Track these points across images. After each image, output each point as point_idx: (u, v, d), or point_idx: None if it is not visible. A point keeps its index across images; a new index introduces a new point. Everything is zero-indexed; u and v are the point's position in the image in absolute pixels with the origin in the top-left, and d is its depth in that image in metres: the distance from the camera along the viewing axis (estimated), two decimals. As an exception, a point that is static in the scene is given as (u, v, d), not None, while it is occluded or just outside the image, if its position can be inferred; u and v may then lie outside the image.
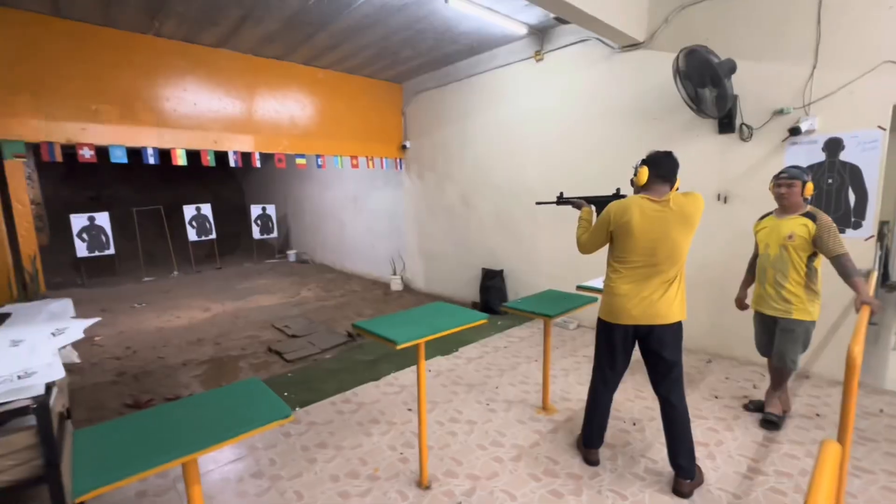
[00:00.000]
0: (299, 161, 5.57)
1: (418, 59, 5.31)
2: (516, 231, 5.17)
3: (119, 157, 4.26)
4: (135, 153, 4.42)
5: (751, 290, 2.76)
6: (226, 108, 4.89)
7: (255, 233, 9.60)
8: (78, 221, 7.39)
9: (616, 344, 2.12)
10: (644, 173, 2.04)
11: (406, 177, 6.73)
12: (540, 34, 4.57)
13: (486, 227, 5.59)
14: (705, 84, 3.17)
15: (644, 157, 2.10)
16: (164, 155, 4.61)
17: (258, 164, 5.17)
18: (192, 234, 8.81)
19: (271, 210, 9.77)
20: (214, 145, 4.82)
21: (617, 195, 2.46)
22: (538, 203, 3.07)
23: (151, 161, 4.44)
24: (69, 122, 3.98)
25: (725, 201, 3.50)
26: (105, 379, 3.90)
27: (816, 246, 2.37)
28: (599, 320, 2.19)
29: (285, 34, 4.44)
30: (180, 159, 4.71)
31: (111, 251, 7.66)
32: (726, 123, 3.39)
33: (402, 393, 3.27)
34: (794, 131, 3.07)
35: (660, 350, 2.03)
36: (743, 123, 3.35)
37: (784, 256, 2.46)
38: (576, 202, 2.52)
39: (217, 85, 4.81)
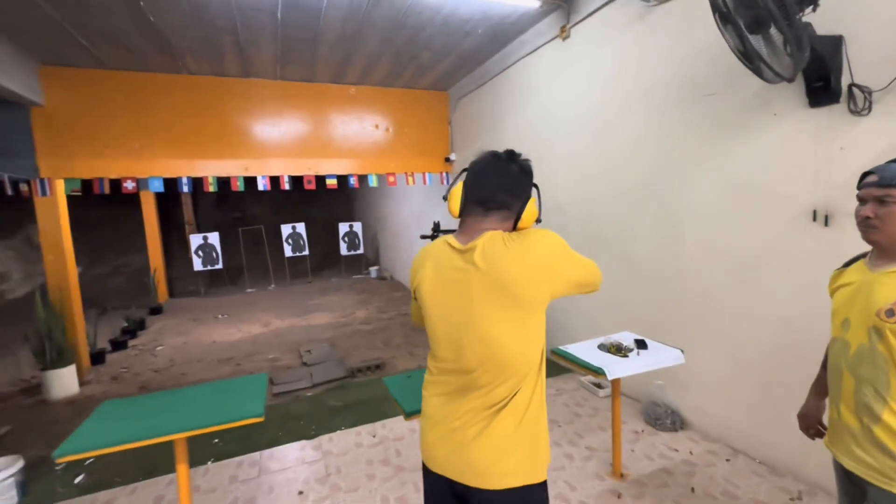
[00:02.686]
0: (329, 182, 5.45)
1: (445, 59, 4.70)
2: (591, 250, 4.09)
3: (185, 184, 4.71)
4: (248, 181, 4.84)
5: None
6: (262, 133, 5.04)
7: (343, 249, 10.06)
8: (195, 240, 8.69)
9: (433, 500, 1.19)
10: (455, 196, 1.13)
11: (454, 192, 6.09)
12: (565, 5, 3.53)
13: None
14: (764, 24, 1.85)
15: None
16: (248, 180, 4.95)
17: (287, 187, 5.20)
18: (287, 251, 9.65)
19: (358, 227, 10.13)
20: (309, 170, 5.03)
21: (435, 231, 1.52)
22: (422, 237, 2.09)
23: (225, 187, 4.79)
24: (177, 159, 4.64)
25: (826, 223, 2.03)
26: (125, 391, 4.24)
27: None
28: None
29: (296, 54, 4.34)
30: (238, 184, 4.99)
31: (220, 266, 8.82)
32: (821, 89, 1.96)
33: (325, 461, 2.69)
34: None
35: None
36: (854, 85, 1.88)
37: (878, 352, 1.15)
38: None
39: (248, 112, 4.99)
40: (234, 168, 4.99)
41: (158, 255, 8.29)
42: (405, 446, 2.82)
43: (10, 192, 4.00)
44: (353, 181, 5.62)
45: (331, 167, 5.46)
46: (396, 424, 3.13)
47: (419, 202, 7.68)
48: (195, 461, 2.75)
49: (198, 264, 8.70)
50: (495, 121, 4.81)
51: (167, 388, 4.17)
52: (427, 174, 5.94)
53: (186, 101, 4.71)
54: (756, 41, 1.84)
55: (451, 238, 1.10)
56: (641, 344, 2.35)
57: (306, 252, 9.83)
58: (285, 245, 9.62)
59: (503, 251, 1.01)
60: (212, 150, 4.86)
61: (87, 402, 4.01)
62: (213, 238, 8.80)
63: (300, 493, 2.40)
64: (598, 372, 2.08)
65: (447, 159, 5.91)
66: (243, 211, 12.97)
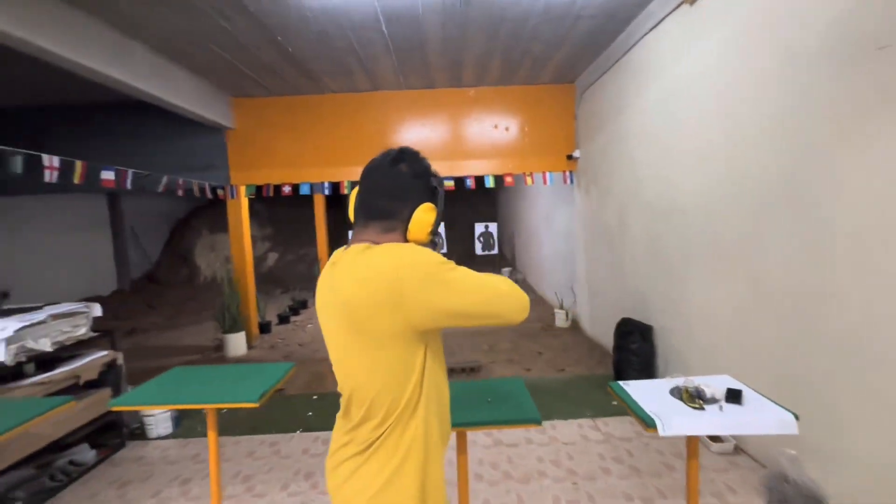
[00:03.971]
0: (448, 184, 5.61)
1: (560, 48, 4.34)
2: (669, 268, 3.40)
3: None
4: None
5: None
6: (388, 140, 5.52)
7: (478, 249, 10.26)
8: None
9: None
10: (351, 201, 1.02)
11: (577, 192, 5.61)
12: (692, -39, 2.86)
13: (637, 258, 3.96)
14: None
15: None
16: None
17: (407, 189, 5.55)
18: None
19: (493, 228, 10.18)
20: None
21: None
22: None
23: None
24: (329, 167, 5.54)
25: None
26: (274, 357, 5.17)
27: None
28: None
29: (410, 64, 4.60)
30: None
31: (370, 259, 10.01)
32: None
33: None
34: None
35: None
36: None
37: None
38: None
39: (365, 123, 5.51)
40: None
41: (324, 248, 9.87)
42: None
43: (209, 195, 5.29)
44: (470, 183, 5.67)
45: (447, 169, 5.61)
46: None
47: (546, 203, 7.30)
48: (287, 428, 3.19)
49: (354, 256, 10.05)
50: (616, 111, 4.23)
51: (304, 359, 4.96)
52: (548, 174, 5.60)
53: (329, 116, 5.46)
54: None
55: (338, 251, 1.01)
56: (734, 395, 1.75)
57: (444, 251, 10.34)
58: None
59: (350, 270, 0.87)
60: (348, 158, 5.52)
61: (250, 362, 5.04)
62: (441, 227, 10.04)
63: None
64: (647, 423, 1.63)
65: (570, 157, 5.46)
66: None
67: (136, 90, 3.86)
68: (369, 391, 0.89)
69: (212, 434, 1.75)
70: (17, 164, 2.81)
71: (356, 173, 4.99)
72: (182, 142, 5.36)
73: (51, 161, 2.95)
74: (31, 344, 2.39)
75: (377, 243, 0.93)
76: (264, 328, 6.25)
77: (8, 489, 2.52)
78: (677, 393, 1.82)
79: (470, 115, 5.53)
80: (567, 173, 5.58)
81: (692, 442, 1.76)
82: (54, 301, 2.92)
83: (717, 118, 2.75)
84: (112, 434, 3.05)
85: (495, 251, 10.16)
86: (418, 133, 5.54)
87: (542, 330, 5.81)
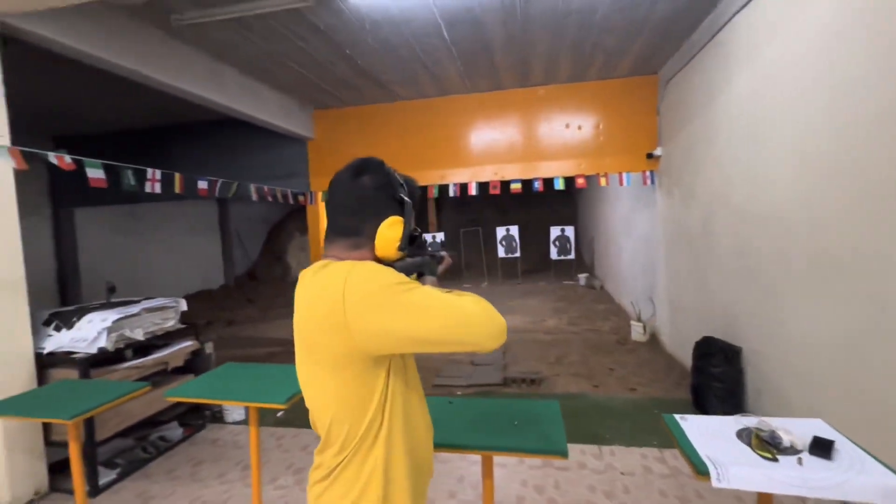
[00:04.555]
0: (514, 186, 5.45)
1: (637, 37, 3.98)
2: (763, 282, 2.91)
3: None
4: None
5: None
6: (456, 143, 5.52)
7: (553, 253, 9.87)
8: (428, 238, 10.24)
9: None
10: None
11: (659, 194, 5.10)
12: (792, -79, 2.42)
13: (724, 269, 3.46)
14: None
15: None
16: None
17: (473, 193, 5.50)
18: (500, 252, 10.18)
19: (570, 231, 9.72)
20: (494, 176, 5.45)
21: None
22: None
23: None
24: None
25: None
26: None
27: None
28: None
29: (475, 66, 4.55)
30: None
31: (443, 261, 10.12)
32: None
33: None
34: None
35: None
36: None
37: None
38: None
39: (441, 126, 5.54)
40: (433, 177, 5.64)
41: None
42: (565, 484, 2.59)
43: (291, 201, 5.74)
44: (538, 185, 5.45)
45: (515, 171, 5.46)
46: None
47: (626, 205, 6.76)
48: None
49: (427, 259, 10.25)
50: (703, 103, 3.75)
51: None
52: (625, 174, 5.18)
53: (399, 123, 5.61)
54: None
55: (304, 270, 0.97)
56: (821, 447, 1.41)
57: (517, 254, 10.12)
58: (499, 246, 10.18)
59: (305, 290, 0.83)
60: (418, 163, 5.62)
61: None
62: (440, 237, 10.16)
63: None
64: (698, 469, 1.38)
65: (650, 155, 4.98)
66: (478, 213, 14.40)
67: (228, 108, 4.32)
68: (326, 417, 0.86)
69: (253, 429, 1.85)
70: (129, 177, 3.28)
71: (425, 177, 5.04)
72: (269, 152, 5.89)
73: (153, 174, 3.40)
74: (127, 333, 2.77)
75: (342, 260, 0.88)
76: (339, 326, 6.62)
77: (112, 455, 2.95)
78: (746, 437, 1.53)
79: (540, 114, 5.31)
80: (647, 173, 5.10)
81: (763, 501, 1.47)
82: (175, 294, 3.36)
83: (822, 107, 2.29)
84: (196, 415, 3.43)
85: (571, 256, 9.75)
86: (486, 136, 5.46)
87: (617, 343, 5.38)
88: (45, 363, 2.62)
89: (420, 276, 1.11)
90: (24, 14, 2.45)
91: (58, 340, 2.64)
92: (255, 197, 4.88)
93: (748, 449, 1.48)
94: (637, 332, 5.34)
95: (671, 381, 4.08)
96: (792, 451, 1.43)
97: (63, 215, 6.91)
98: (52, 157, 2.72)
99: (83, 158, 2.91)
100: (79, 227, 7.16)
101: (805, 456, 1.41)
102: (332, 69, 4.41)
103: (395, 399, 0.86)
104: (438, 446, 1.54)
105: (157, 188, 3.47)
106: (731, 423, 1.64)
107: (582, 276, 9.27)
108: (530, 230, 12.02)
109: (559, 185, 5.33)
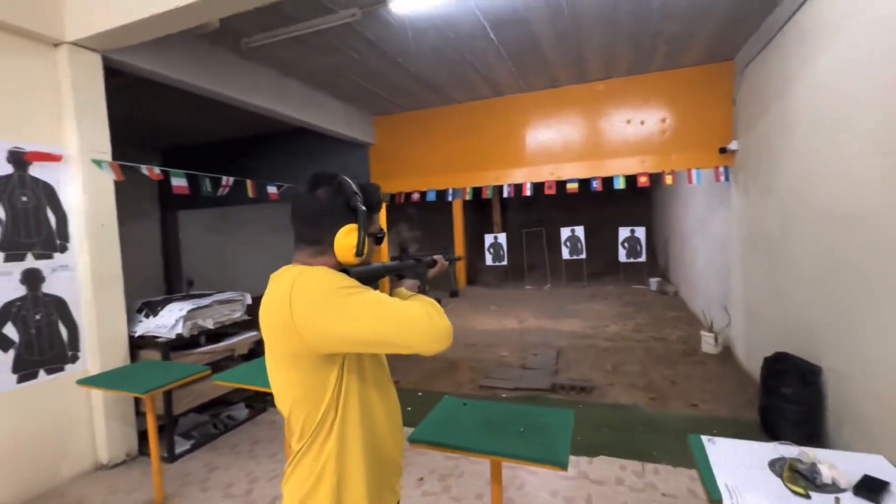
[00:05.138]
0: (570, 186, 5.26)
1: (704, 23, 3.67)
2: (848, 294, 2.53)
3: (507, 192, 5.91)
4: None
5: None
6: (510, 144, 5.47)
7: (621, 256, 9.32)
8: (488, 239, 10.21)
9: None
10: None
11: (734, 192, 4.63)
12: None
13: (802, 277, 3.05)
14: None
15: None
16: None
17: (528, 193, 5.40)
18: (564, 253, 9.84)
19: (640, 233, 9.12)
20: (550, 176, 5.31)
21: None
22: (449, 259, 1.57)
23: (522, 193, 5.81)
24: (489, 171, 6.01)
25: None
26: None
27: None
28: None
29: (527, 66, 4.48)
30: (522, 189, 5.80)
31: (505, 262, 10.02)
32: None
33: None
34: None
35: None
36: None
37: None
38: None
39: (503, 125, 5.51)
40: (487, 178, 5.64)
41: (461, 251, 10.30)
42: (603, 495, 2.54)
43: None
44: (596, 185, 5.21)
45: (573, 171, 5.27)
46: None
47: (702, 204, 6.20)
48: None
49: (489, 260, 10.21)
50: (781, 90, 3.34)
51: (423, 358, 5.30)
52: (694, 171, 4.77)
53: (454, 126, 5.68)
54: None
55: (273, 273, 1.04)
56: (871, 487, 1.22)
57: (583, 256, 9.72)
58: (563, 248, 9.84)
59: (268, 292, 0.90)
60: (472, 164, 5.66)
61: (376, 353, 5.61)
62: (501, 238, 10.08)
63: (420, 479, 2.64)
64: (711, 495, 1.26)
65: (724, 149, 4.53)
66: (544, 213, 14.05)
67: (294, 119, 4.69)
68: (286, 404, 0.94)
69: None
70: (206, 184, 3.72)
71: (480, 179, 5.05)
72: (334, 158, 6.28)
73: (226, 181, 3.82)
74: (200, 322, 3.16)
75: (309, 265, 0.96)
76: (398, 323, 6.87)
77: (190, 428, 3.37)
78: (779, 467, 1.38)
79: (599, 110, 5.08)
80: (720, 169, 4.65)
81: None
82: (256, 287, 3.75)
83: (916, 88, 1.94)
84: (260, 399, 3.79)
85: (642, 258, 9.16)
86: (542, 135, 5.34)
87: (684, 354, 4.97)
88: (137, 345, 3.07)
89: (400, 279, 1.16)
90: (119, 49, 2.89)
91: (146, 326, 3.08)
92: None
93: (779, 481, 1.32)
94: (708, 344, 4.89)
95: (741, 400, 3.69)
96: (832, 488, 1.26)
97: (168, 217, 7.96)
98: (144, 169, 3.18)
99: (168, 169, 3.37)
100: (181, 228, 8.20)
101: (847, 496, 1.23)
102: (386, 77, 4.60)
103: (349, 394, 0.92)
104: (444, 446, 1.58)
105: (227, 192, 3.88)
106: (766, 451, 1.48)
107: (653, 281, 8.66)
108: (600, 230, 11.48)
109: (619, 184, 5.05)
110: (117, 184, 2.96)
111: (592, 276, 10.39)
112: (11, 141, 2.54)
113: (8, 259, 2.52)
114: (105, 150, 2.91)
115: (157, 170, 3.28)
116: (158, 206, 7.85)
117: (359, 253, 0.95)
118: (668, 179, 4.90)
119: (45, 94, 2.68)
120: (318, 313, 0.85)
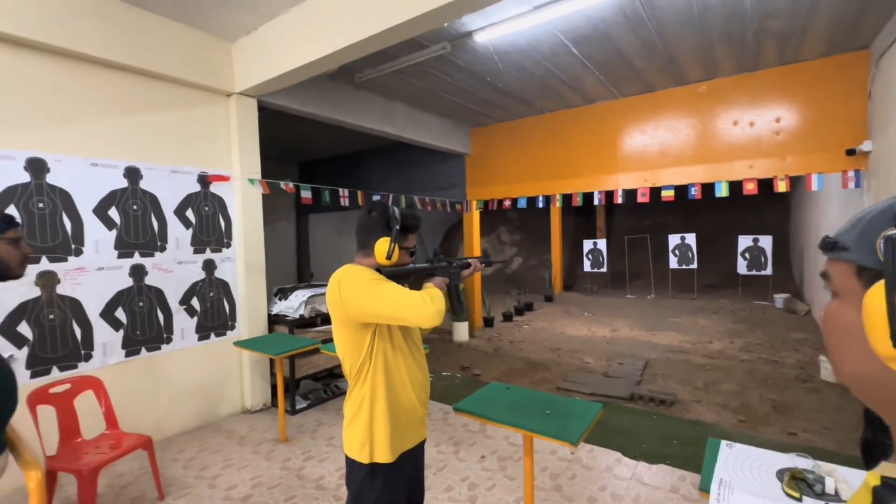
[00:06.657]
0: (665, 193, 5.06)
1: (816, 14, 3.36)
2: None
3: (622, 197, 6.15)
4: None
5: None
6: (601, 150, 5.48)
7: (741, 267, 8.37)
8: (587, 245, 9.98)
9: None
10: None
11: (865, 198, 4.04)
12: None
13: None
14: None
15: None
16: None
17: (619, 201, 5.34)
18: (672, 262, 9.17)
19: (766, 242, 8.09)
20: (644, 183, 5.24)
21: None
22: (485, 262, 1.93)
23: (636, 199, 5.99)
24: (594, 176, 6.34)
25: None
26: (486, 348, 6.02)
27: None
28: None
29: (617, 75, 4.51)
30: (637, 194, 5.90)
31: (604, 269, 9.72)
32: None
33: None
34: None
35: None
36: None
37: None
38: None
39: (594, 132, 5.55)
40: (577, 185, 5.70)
41: (558, 256, 10.26)
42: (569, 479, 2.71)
43: (448, 209, 6.62)
44: (695, 192, 4.95)
45: (669, 177, 5.07)
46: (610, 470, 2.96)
47: (836, 209, 5.40)
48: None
49: (587, 266, 10.00)
50: (912, 85, 2.93)
51: (508, 354, 5.62)
52: (814, 175, 4.27)
53: (545, 134, 5.87)
54: None
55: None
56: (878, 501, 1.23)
57: (694, 265, 8.97)
58: (671, 256, 9.20)
59: (330, 281, 1.35)
60: (562, 172, 5.79)
61: (467, 348, 6.06)
62: (601, 244, 9.79)
63: (482, 457, 2.97)
64: (702, 486, 1.38)
65: (851, 151, 3.99)
66: (653, 218, 13.13)
67: (400, 136, 5.38)
68: (341, 354, 1.39)
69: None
70: (326, 195, 4.55)
71: (570, 186, 5.23)
72: (433, 168, 6.91)
73: (343, 192, 4.61)
74: (317, 306, 3.93)
75: (361, 264, 1.40)
76: (489, 322, 7.24)
77: (308, 392, 4.19)
78: (784, 476, 1.44)
79: (700, 113, 4.82)
80: (849, 174, 4.09)
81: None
82: None
83: None
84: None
85: (767, 271, 8.14)
86: (636, 140, 5.24)
87: (796, 380, 4.46)
88: (272, 320, 3.96)
89: (430, 278, 1.53)
90: (269, 93, 3.78)
91: (279, 306, 3.96)
92: (419, 206, 5.90)
93: (778, 484, 1.40)
94: (827, 370, 4.32)
95: (854, 436, 3.27)
96: (833, 497, 1.31)
97: (302, 220, 9.48)
98: (282, 185, 4.06)
99: (299, 184, 4.24)
100: (310, 229, 9.69)
101: (844, 506, 1.27)
102: (478, 94, 5.02)
103: (377, 354, 1.34)
104: (479, 416, 1.93)
105: (346, 202, 4.67)
106: (782, 460, 1.53)
107: (780, 297, 7.64)
108: (720, 238, 10.39)
109: (721, 191, 4.74)
110: (264, 195, 3.88)
111: (705, 287, 9.49)
112: (200, 167, 3.54)
113: (196, 252, 3.53)
114: (256, 171, 3.84)
115: (291, 184, 4.17)
116: (294, 211, 9.39)
117: (388, 257, 1.36)
118: (782, 186, 4.45)
119: (220, 132, 3.66)
120: (353, 294, 1.30)
